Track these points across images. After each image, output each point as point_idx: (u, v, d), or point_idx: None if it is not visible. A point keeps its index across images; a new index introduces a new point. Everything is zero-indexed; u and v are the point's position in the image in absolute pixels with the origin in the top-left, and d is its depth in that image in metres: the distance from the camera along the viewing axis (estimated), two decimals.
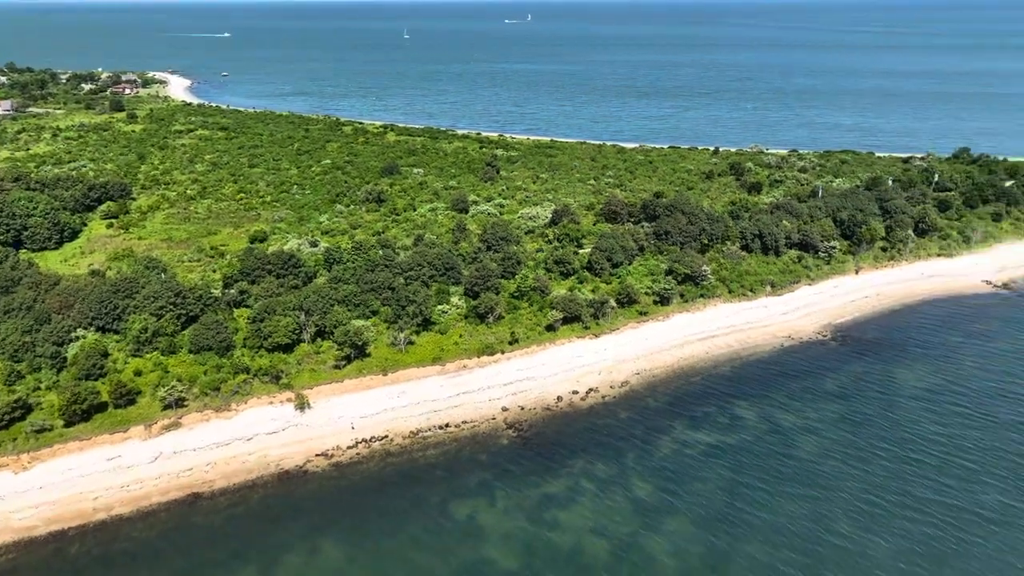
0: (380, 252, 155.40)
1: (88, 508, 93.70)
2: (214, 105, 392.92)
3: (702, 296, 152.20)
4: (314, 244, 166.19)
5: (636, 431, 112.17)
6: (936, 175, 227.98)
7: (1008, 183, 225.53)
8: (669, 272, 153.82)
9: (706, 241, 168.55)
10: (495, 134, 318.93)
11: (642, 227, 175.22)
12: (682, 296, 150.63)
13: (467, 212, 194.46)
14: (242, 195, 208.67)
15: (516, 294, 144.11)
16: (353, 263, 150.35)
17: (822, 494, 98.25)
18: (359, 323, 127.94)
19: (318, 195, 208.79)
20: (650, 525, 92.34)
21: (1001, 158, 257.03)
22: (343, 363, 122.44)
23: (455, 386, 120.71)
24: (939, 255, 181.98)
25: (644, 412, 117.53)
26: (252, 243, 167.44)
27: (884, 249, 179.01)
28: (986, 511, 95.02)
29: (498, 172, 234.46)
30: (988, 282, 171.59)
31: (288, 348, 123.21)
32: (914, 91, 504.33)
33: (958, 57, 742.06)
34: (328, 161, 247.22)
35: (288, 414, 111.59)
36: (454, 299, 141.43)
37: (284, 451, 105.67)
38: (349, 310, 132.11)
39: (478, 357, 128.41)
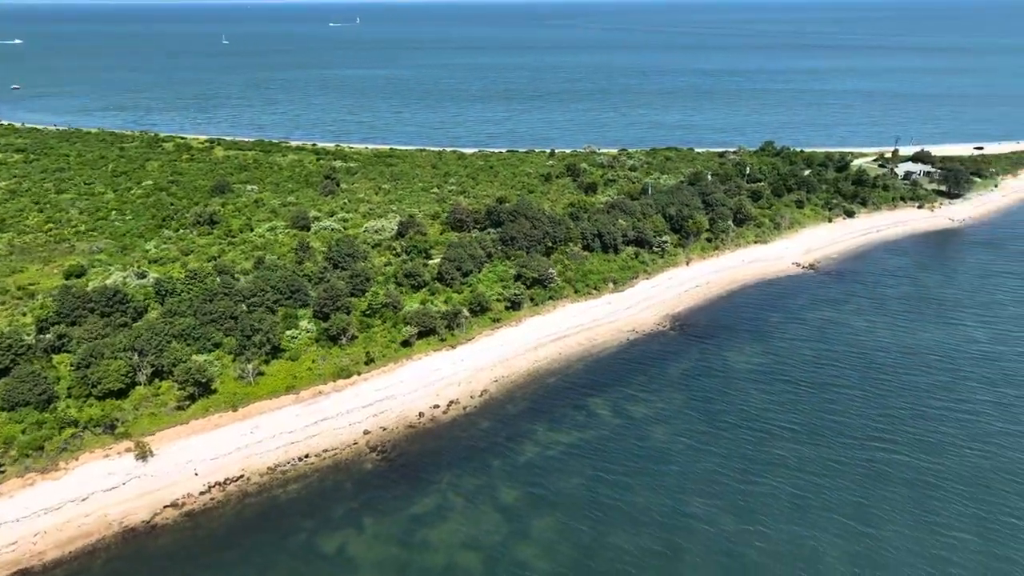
0: (218, 279, 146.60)
1: None
2: (5, 123, 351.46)
3: (551, 298, 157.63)
4: (142, 276, 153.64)
5: (499, 438, 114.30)
6: (747, 168, 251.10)
7: (806, 172, 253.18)
8: (518, 277, 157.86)
9: (550, 244, 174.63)
10: (332, 145, 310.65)
11: (488, 234, 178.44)
12: (532, 300, 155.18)
13: (309, 229, 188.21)
14: (50, 225, 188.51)
15: (368, 312, 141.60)
16: (188, 293, 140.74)
17: (675, 472, 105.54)
18: (201, 358, 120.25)
19: (141, 220, 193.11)
20: (521, 529, 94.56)
21: (799, 149, 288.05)
22: (187, 403, 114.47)
23: (312, 414, 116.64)
24: (756, 242, 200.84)
25: (505, 418, 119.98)
26: (68, 279, 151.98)
27: (709, 240, 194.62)
28: (812, 465, 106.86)
29: (338, 185, 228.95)
30: (797, 264, 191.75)
31: (122, 393, 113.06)
32: (725, 89, 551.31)
33: (764, 56, 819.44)
34: (150, 182, 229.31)
35: (128, 466, 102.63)
36: (303, 323, 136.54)
37: (127, 507, 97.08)
38: (188, 345, 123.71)
39: (334, 381, 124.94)
